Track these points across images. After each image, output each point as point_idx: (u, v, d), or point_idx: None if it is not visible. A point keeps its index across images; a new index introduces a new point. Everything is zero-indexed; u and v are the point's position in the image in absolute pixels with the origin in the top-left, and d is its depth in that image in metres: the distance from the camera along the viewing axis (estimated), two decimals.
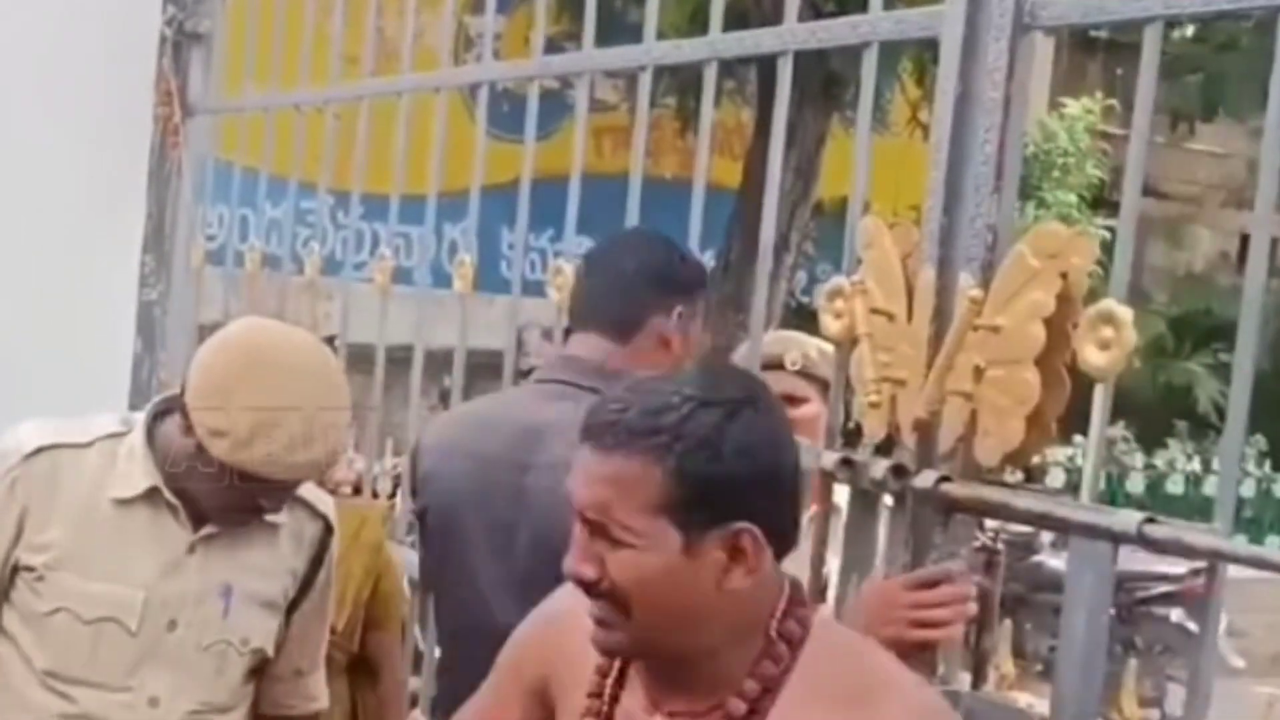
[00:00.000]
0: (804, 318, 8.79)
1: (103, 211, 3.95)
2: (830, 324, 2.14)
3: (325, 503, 2.34)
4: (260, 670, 2.27)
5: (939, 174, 2.01)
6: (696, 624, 1.41)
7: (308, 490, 2.26)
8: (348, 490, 3.31)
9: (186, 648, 2.15)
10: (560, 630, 1.57)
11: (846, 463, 2.09)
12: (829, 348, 2.98)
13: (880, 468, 2.03)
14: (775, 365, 2.94)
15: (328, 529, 2.31)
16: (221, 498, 2.10)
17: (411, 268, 3.53)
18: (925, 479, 1.98)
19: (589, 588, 1.41)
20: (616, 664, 1.51)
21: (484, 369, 3.16)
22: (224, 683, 2.21)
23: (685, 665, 1.44)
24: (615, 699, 1.49)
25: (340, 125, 3.56)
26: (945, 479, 1.97)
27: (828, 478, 2.15)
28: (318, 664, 2.39)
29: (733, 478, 1.39)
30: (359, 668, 2.85)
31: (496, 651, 2.01)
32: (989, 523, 7.32)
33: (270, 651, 2.26)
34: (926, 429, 2.00)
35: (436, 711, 2.29)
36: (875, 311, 2.04)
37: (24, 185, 3.80)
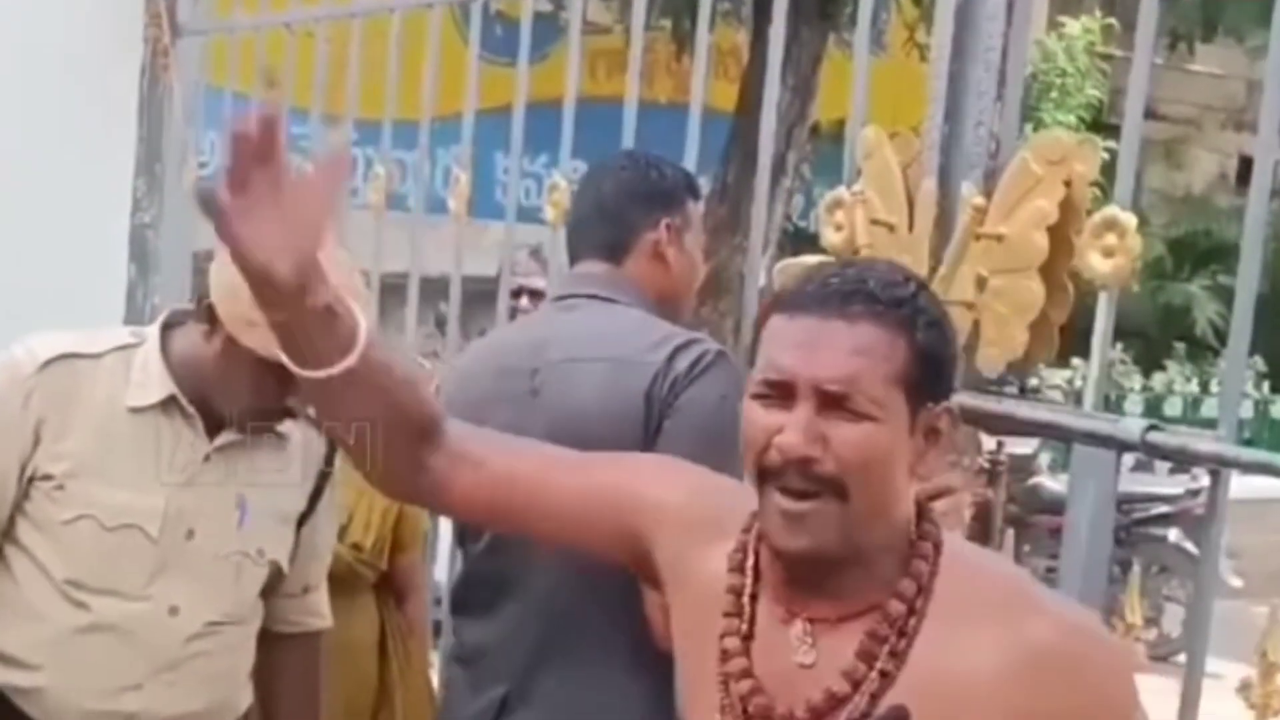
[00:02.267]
0: (801, 242, 8.76)
1: (94, 135, 3.91)
2: (830, 235, 2.12)
3: None
4: (270, 588, 2.28)
5: (940, 81, 1.98)
6: (889, 515, 1.37)
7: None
8: None
9: (204, 557, 2.16)
10: (717, 529, 1.47)
11: None
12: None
13: None
14: None
15: (332, 445, 2.30)
16: (253, 398, 2.09)
17: (405, 193, 3.50)
18: None
19: (806, 471, 1.32)
20: (750, 577, 1.43)
21: (480, 296, 3.14)
22: (241, 595, 2.22)
23: (841, 567, 1.37)
24: (752, 615, 1.42)
25: (331, 49, 3.52)
26: None
27: None
28: (323, 579, 2.41)
29: (950, 360, 1.39)
30: (385, 590, 2.85)
31: (516, 547, 2.02)
32: (989, 443, 7.37)
33: (285, 565, 2.27)
34: None
35: (452, 607, 2.32)
36: (876, 222, 2.02)
37: (12, 108, 3.76)
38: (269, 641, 2.31)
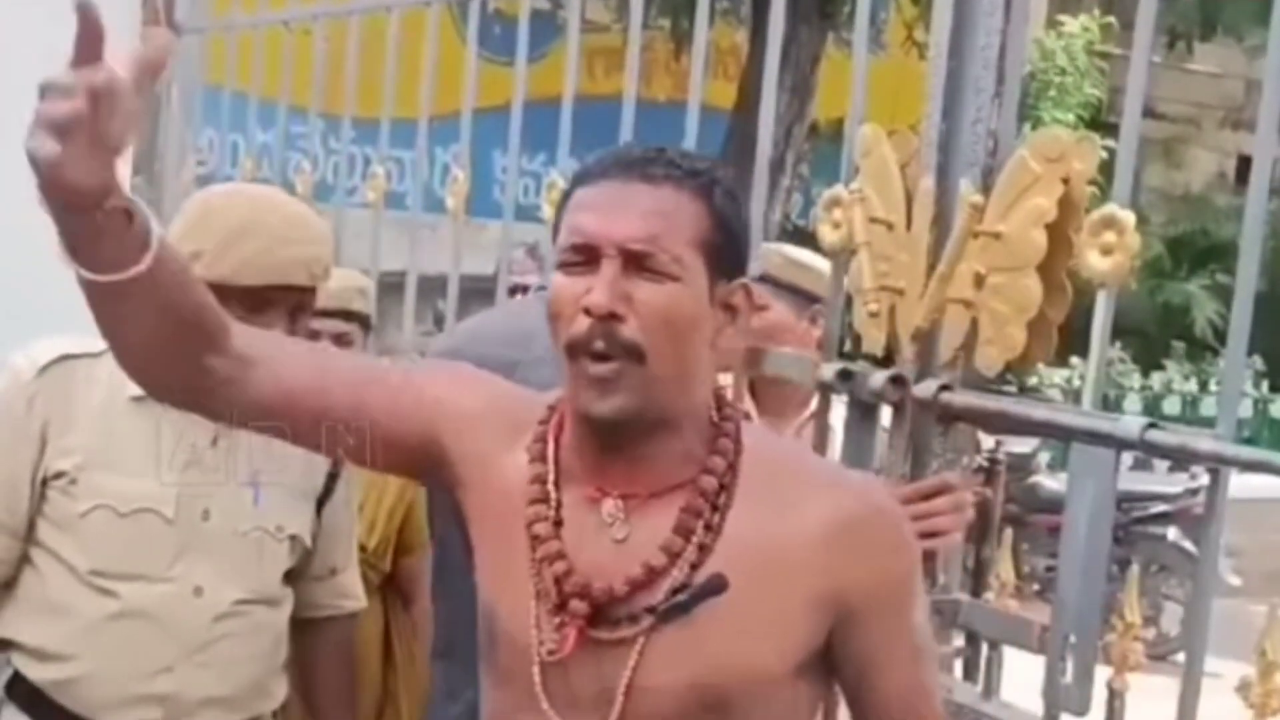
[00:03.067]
0: (800, 240, 8.76)
1: None
2: (828, 234, 2.11)
3: None
4: (298, 571, 2.29)
5: (938, 79, 1.97)
6: (690, 383, 1.41)
7: None
8: None
9: (224, 535, 2.16)
10: (515, 431, 1.49)
11: (845, 374, 2.07)
12: (801, 254, 2.98)
13: (879, 378, 2.01)
14: None
15: None
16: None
17: (403, 192, 3.50)
18: (925, 388, 1.96)
19: (610, 330, 1.35)
20: (551, 455, 1.45)
21: (477, 295, 3.13)
22: (266, 573, 2.22)
23: (649, 437, 1.40)
24: (559, 501, 1.44)
25: (329, 47, 3.51)
26: (946, 388, 1.95)
27: (826, 389, 2.13)
28: (351, 560, 2.41)
29: (745, 235, 1.43)
30: (390, 591, 2.85)
31: None
32: (987, 442, 7.36)
33: (308, 540, 2.27)
34: (926, 338, 1.98)
35: (435, 606, 2.30)
36: (874, 220, 2.02)
37: (8, 106, 3.75)
38: (302, 628, 2.31)
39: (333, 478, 2.31)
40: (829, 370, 2.10)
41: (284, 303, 2.15)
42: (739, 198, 1.42)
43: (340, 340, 2.75)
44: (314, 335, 2.74)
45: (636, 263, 1.35)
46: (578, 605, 1.39)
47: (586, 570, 1.40)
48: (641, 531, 1.40)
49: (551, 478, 1.44)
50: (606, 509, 1.42)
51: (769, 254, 2.77)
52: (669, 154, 1.40)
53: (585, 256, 1.37)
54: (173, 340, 1.40)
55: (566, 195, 1.43)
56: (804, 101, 9.25)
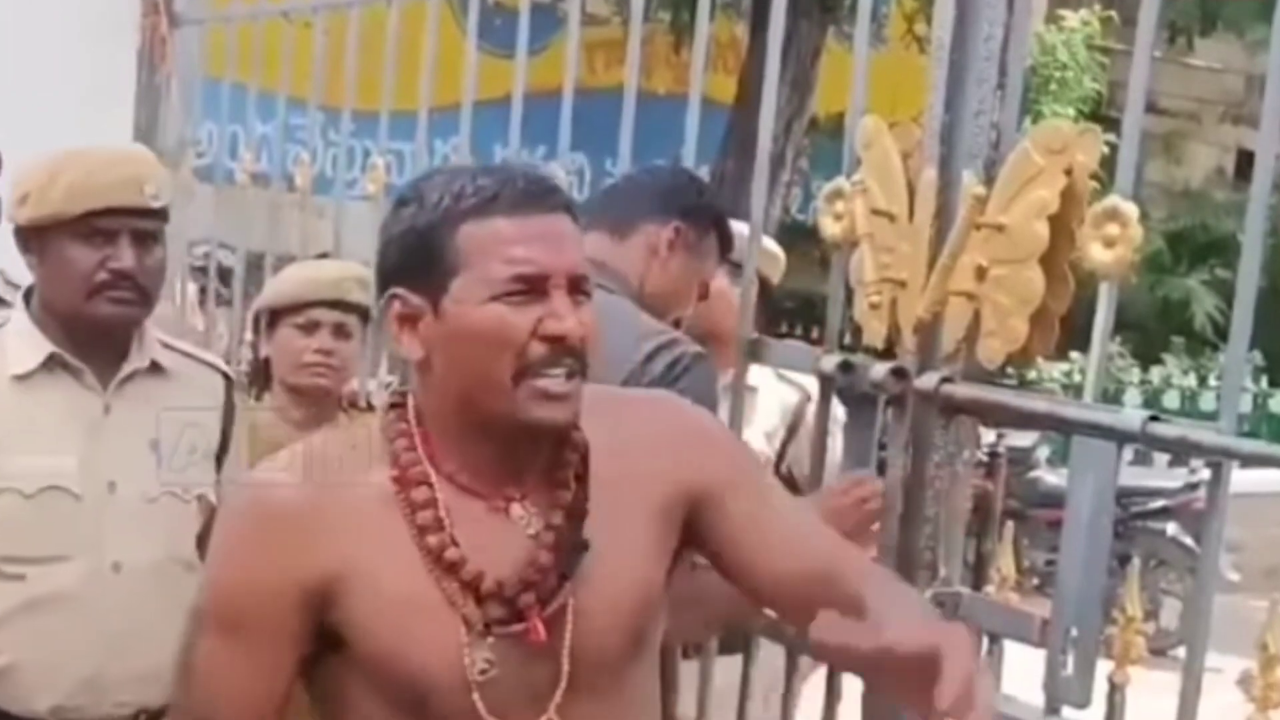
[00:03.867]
0: (798, 235, 8.75)
1: (91, 125, 3.89)
2: (830, 225, 2.11)
3: (216, 359, 2.41)
4: (203, 533, 2.26)
5: (941, 70, 1.97)
6: None
7: (195, 349, 2.33)
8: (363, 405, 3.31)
9: (132, 505, 2.15)
10: (304, 531, 1.47)
11: (846, 366, 2.06)
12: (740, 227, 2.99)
13: (880, 370, 2.01)
14: None
15: (227, 379, 2.35)
16: (77, 279, 2.09)
17: (403, 184, 3.49)
18: (927, 380, 1.96)
19: (578, 351, 1.46)
20: (434, 488, 1.47)
21: None
22: (180, 537, 2.20)
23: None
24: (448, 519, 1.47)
25: (329, 39, 3.50)
26: (947, 380, 1.95)
27: (827, 381, 2.12)
28: None
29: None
30: None
31: None
32: (987, 436, 7.38)
33: (213, 498, 2.25)
34: (928, 330, 1.97)
35: None
36: (876, 212, 2.01)
37: (8, 97, 3.74)
38: None
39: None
40: (830, 362, 2.09)
41: (125, 230, 2.10)
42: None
43: (339, 331, 2.74)
44: (313, 326, 2.73)
45: (576, 287, 1.47)
46: (527, 598, 1.46)
47: (515, 573, 1.46)
48: (543, 519, 1.51)
49: (441, 501, 1.48)
50: (515, 513, 1.50)
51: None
52: (547, 179, 1.52)
53: (531, 286, 1.44)
54: None
55: (452, 222, 1.45)
56: (804, 96, 9.23)
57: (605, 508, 1.51)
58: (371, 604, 1.46)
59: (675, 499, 1.57)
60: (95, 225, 2.08)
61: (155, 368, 2.21)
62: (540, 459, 1.51)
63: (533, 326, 1.43)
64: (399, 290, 1.48)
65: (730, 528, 1.58)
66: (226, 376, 2.35)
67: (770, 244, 3.33)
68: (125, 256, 2.11)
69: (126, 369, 2.18)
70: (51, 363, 2.13)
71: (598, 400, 1.54)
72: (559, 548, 1.48)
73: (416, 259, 1.46)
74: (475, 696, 1.44)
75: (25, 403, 2.11)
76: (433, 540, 1.46)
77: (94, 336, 2.15)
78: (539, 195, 1.47)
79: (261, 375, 2.86)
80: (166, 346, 2.26)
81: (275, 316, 2.77)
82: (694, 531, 1.59)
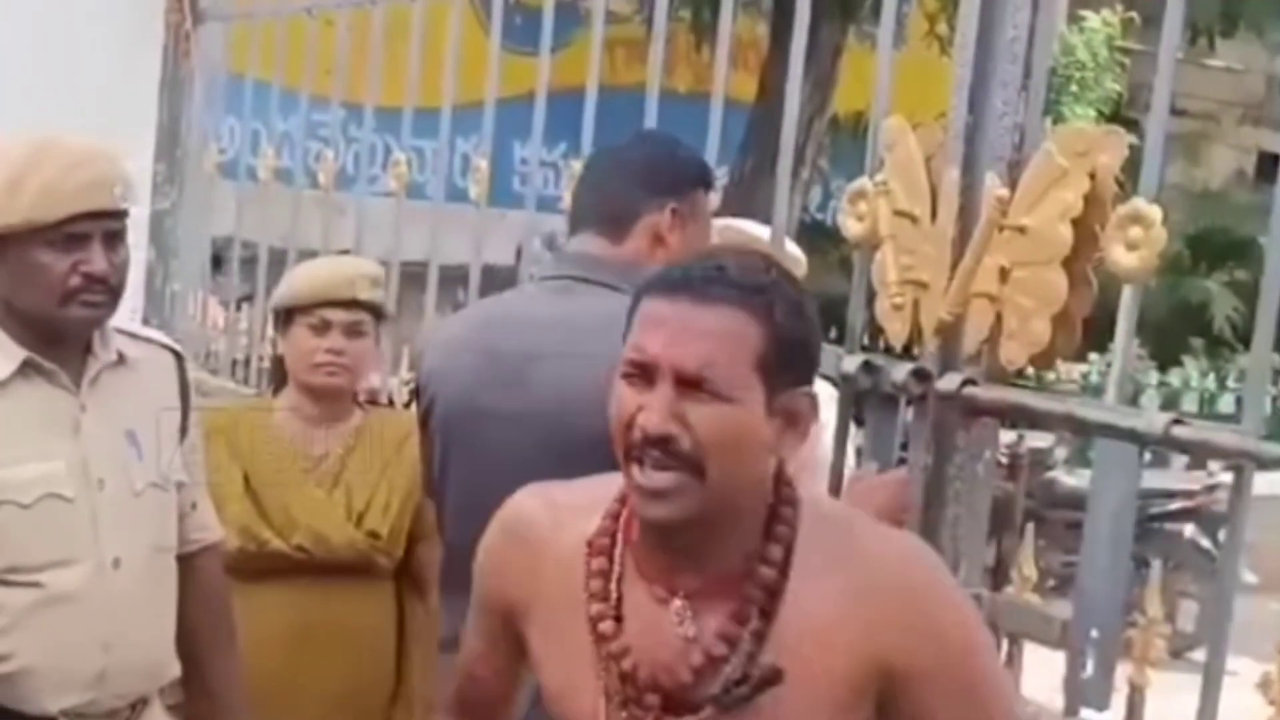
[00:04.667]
0: (818, 234, 8.74)
1: (114, 120, 3.91)
2: (852, 226, 2.11)
3: (164, 337, 2.39)
4: None
5: (965, 72, 1.97)
6: (748, 487, 1.45)
7: (142, 330, 2.31)
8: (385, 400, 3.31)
9: (123, 500, 2.15)
10: (531, 544, 1.57)
11: (868, 367, 2.07)
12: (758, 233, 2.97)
13: (902, 371, 2.01)
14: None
15: (178, 357, 2.34)
16: (50, 285, 2.06)
17: (425, 182, 3.50)
18: (949, 382, 1.96)
19: (666, 449, 1.39)
20: (617, 558, 1.49)
21: (498, 285, 3.14)
22: (166, 525, 2.23)
23: (707, 536, 1.45)
24: (620, 596, 1.49)
25: (352, 36, 3.52)
26: (970, 382, 1.95)
27: (849, 382, 2.13)
28: (204, 491, 2.41)
29: (809, 345, 1.46)
30: (403, 577, 2.86)
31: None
32: (1007, 437, 7.37)
33: (186, 480, 2.28)
34: (950, 332, 1.97)
35: (443, 598, 2.27)
36: (898, 213, 2.02)
37: (32, 92, 3.76)
38: (178, 567, 2.30)
39: (185, 412, 2.30)
40: (851, 363, 2.09)
41: (96, 233, 2.07)
42: (804, 310, 1.45)
43: (351, 330, 2.74)
44: (325, 326, 2.74)
45: (691, 385, 1.39)
46: (651, 699, 1.45)
47: (655, 666, 1.45)
48: (707, 625, 1.45)
49: (616, 574, 1.49)
50: (674, 608, 1.46)
51: (743, 233, 2.78)
52: (729, 272, 1.42)
53: (643, 373, 1.41)
54: None
55: (636, 298, 1.47)
56: (825, 94, 9.23)
57: (796, 651, 1.43)
58: (544, 640, 1.56)
59: (874, 666, 1.44)
60: (67, 230, 2.04)
61: (119, 359, 2.20)
62: (706, 557, 1.45)
63: (635, 410, 1.41)
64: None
65: (912, 712, 1.45)
66: (177, 355, 2.35)
67: (793, 248, 3.33)
68: (98, 260, 2.08)
69: (95, 366, 2.17)
70: (25, 368, 2.12)
71: (833, 523, 1.49)
72: (712, 664, 1.43)
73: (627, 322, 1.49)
74: None
75: (7, 412, 2.10)
76: (595, 609, 1.49)
77: (64, 338, 2.14)
78: (689, 284, 1.41)
79: (279, 373, 2.87)
80: (119, 331, 2.24)
81: (289, 315, 2.78)
82: (885, 710, 1.46)
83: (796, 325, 1.43)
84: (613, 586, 1.49)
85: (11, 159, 2.06)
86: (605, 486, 1.53)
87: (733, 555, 1.45)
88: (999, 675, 1.53)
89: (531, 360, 2.12)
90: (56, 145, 2.07)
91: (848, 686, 1.43)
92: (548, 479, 1.68)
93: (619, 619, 1.48)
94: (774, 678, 1.41)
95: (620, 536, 1.50)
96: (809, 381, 1.46)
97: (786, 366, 1.42)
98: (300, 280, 2.81)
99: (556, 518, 1.56)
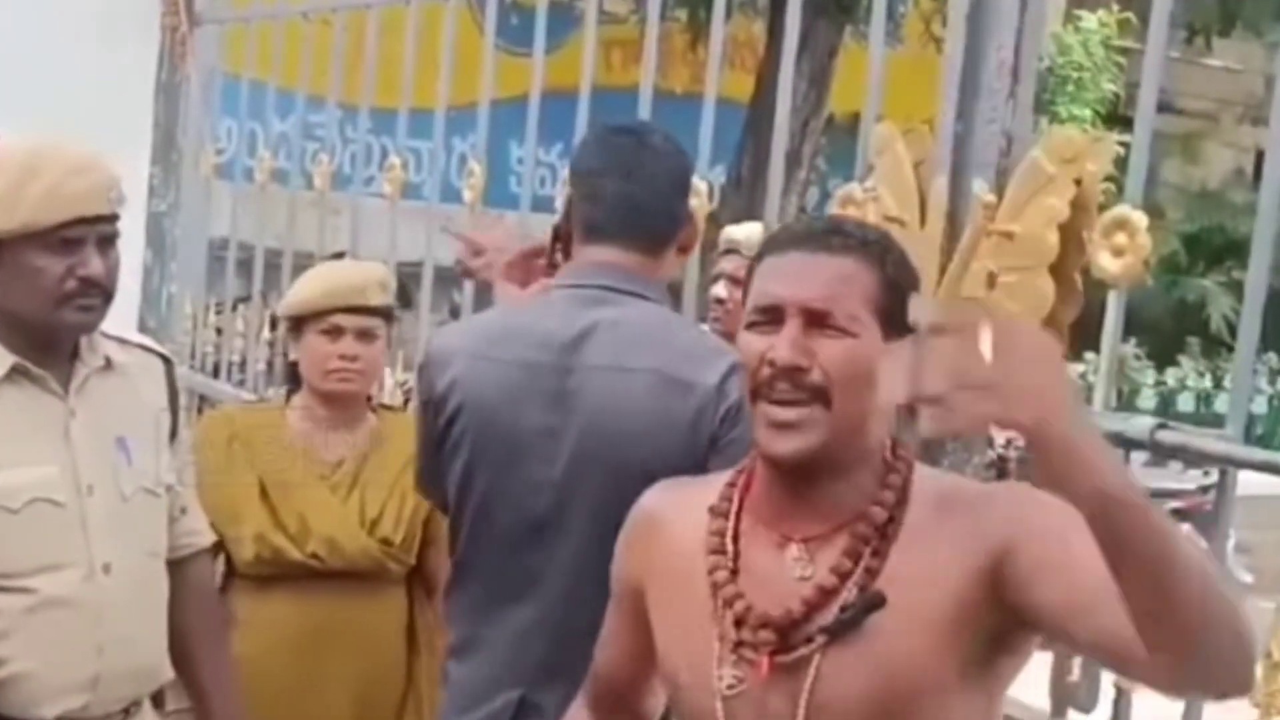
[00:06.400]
0: None
1: (110, 122, 3.93)
2: None
3: (152, 342, 2.40)
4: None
5: (953, 78, 1.99)
6: (867, 428, 1.51)
7: (130, 335, 2.31)
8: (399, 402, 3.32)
9: (112, 505, 2.16)
10: (654, 525, 1.64)
11: None
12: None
13: None
14: (733, 250, 3.16)
15: (166, 361, 2.35)
16: (46, 289, 2.07)
17: (420, 183, 3.51)
18: None
19: (795, 380, 1.47)
20: (734, 518, 1.55)
21: (493, 286, 3.15)
22: (156, 530, 2.24)
23: (827, 477, 1.51)
24: (737, 552, 1.55)
25: (348, 38, 3.53)
26: None
27: None
28: (193, 499, 2.42)
29: (915, 294, 1.53)
30: (416, 583, 2.87)
31: (534, 550, 2.02)
32: (998, 437, 7.38)
33: (176, 486, 2.29)
34: None
35: (451, 606, 2.21)
36: (888, 218, 2.03)
37: (28, 94, 3.77)
38: (169, 572, 2.30)
39: (174, 417, 2.32)
40: None
41: (91, 237, 2.08)
42: (909, 263, 1.55)
43: (362, 335, 2.75)
44: (337, 331, 2.75)
45: (817, 321, 1.48)
46: (765, 635, 1.50)
47: (769, 604, 1.50)
48: (822, 565, 1.51)
49: (731, 531, 1.56)
50: (792, 554, 1.53)
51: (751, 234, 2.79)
52: (847, 225, 1.55)
53: (770, 317, 1.50)
54: None
55: (755, 261, 1.56)
56: (821, 94, 9.25)
57: (905, 583, 1.47)
58: (663, 609, 1.62)
59: (982, 571, 1.45)
60: (64, 235, 2.06)
61: (107, 364, 2.20)
62: (824, 501, 1.51)
63: (764, 352, 1.48)
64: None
65: (1042, 599, 1.42)
66: (165, 359, 2.35)
67: None
68: (94, 264, 2.09)
69: (83, 371, 2.17)
70: (14, 373, 2.12)
71: (942, 480, 1.57)
72: (824, 597, 1.48)
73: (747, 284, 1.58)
74: (718, 705, 1.53)
75: None
76: (711, 560, 1.55)
77: (56, 343, 2.15)
78: (811, 235, 1.52)
79: (293, 377, 2.88)
80: (106, 337, 2.24)
81: (300, 322, 2.79)
82: (1010, 601, 1.44)
83: (905, 275, 1.53)
84: (729, 542, 1.55)
85: (9, 165, 2.07)
86: (730, 475, 1.61)
87: (849, 499, 1.51)
88: (1097, 556, 1.40)
89: (573, 374, 2.05)
90: (54, 151, 2.09)
91: (956, 618, 1.46)
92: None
93: (735, 571, 1.54)
94: (879, 601, 1.46)
95: (738, 498, 1.57)
96: (912, 330, 1.50)
97: (898, 311, 1.43)
98: (312, 287, 2.80)
99: (682, 499, 1.63)
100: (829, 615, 1.48)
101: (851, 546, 1.49)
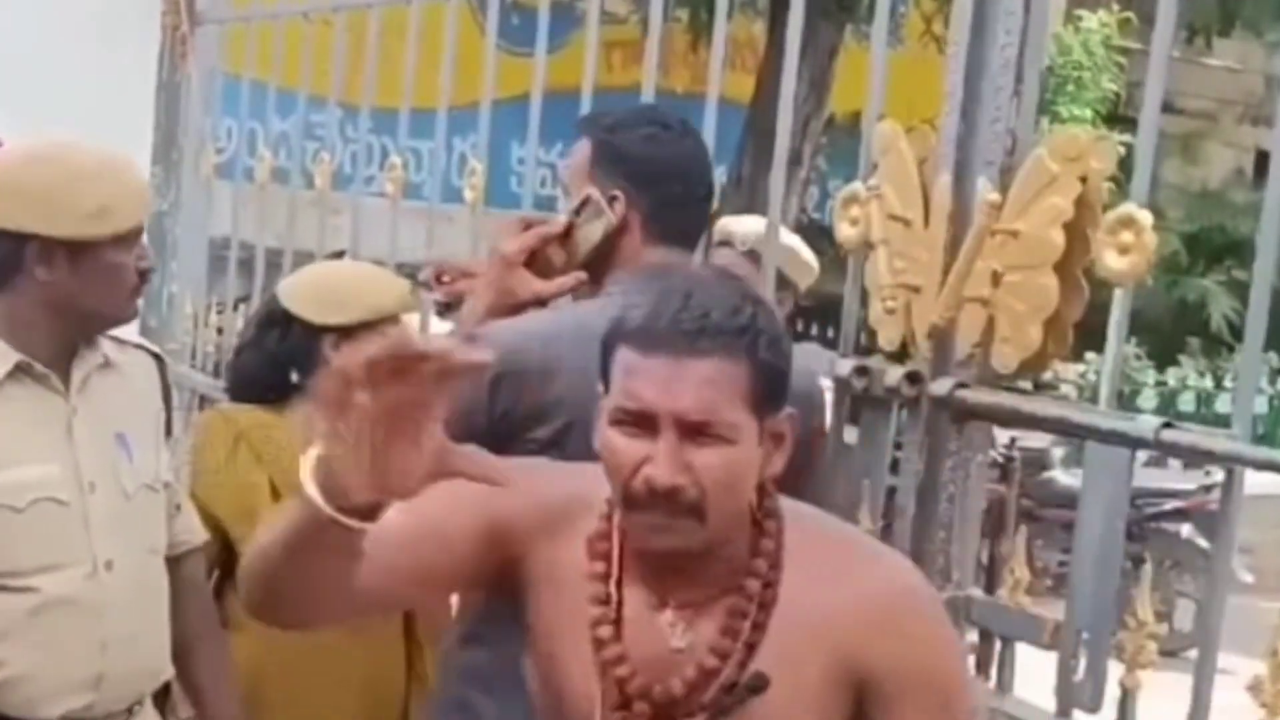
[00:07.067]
0: (816, 234, 8.74)
1: (110, 122, 3.92)
2: (845, 230, 2.12)
3: (143, 340, 2.45)
4: None
5: (957, 76, 1.98)
6: (742, 513, 1.50)
7: (125, 334, 2.34)
8: None
9: (114, 503, 2.17)
10: (563, 519, 1.56)
11: (861, 370, 2.07)
12: (793, 242, 2.95)
13: (895, 374, 2.02)
14: (725, 243, 3.12)
15: (158, 359, 2.38)
16: (126, 284, 2.16)
17: (421, 182, 3.51)
18: (941, 385, 1.97)
19: (673, 500, 1.43)
20: (615, 566, 1.52)
21: None
22: (157, 527, 2.25)
23: (702, 559, 1.49)
24: (620, 601, 1.51)
25: (349, 38, 3.52)
26: (962, 385, 1.96)
27: (842, 385, 2.13)
28: (186, 496, 2.44)
29: (787, 372, 1.50)
30: None
31: None
32: (1002, 437, 7.39)
33: (174, 482, 2.32)
34: (942, 336, 1.98)
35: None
36: (891, 217, 2.02)
37: (28, 94, 3.77)
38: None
39: (168, 414, 2.34)
40: (845, 366, 2.10)
41: (140, 231, 2.17)
42: (781, 338, 1.48)
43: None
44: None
45: (694, 431, 1.43)
46: (641, 707, 1.49)
47: (648, 673, 1.49)
48: (699, 636, 1.49)
49: (615, 577, 1.52)
50: (666, 618, 1.51)
51: (758, 228, 2.77)
52: (714, 318, 1.44)
53: (641, 422, 1.44)
54: (338, 590, 1.46)
55: (612, 342, 1.47)
56: (821, 94, 9.23)
57: (785, 659, 1.47)
58: (548, 608, 1.55)
59: (857, 677, 1.49)
60: (130, 237, 2.15)
61: (106, 362, 2.23)
62: (699, 572, 1.48)
63: (638, 460, 1.43)
64: (601, 382, 1.51)
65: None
66: (158, 357, 2.39)
67: (806, 253, 3.33)
68: (148, 256, 2.19)
69: (84, 369, 2.19)
70: (17, 370, 2.13)
71: (819, 534, 1.54)
72: (705, 677, 1.47)
73: (602, 361, 1.50)
74: None
75: (1, 415, 2.11)
76: (594, 613, 1.51)
77: (71, 341, 2.17)
78: (679, 337, 1.43)
79: (283, 379, 2.85)
80: (103, 336, 2.27)
81: (352, 331, 2.71)
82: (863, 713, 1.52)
83: (777, 356, 1.47)
84: (611, 589, 1.51)
85: (92, 174, 2.11)
86: (590, 479, 1.53)
87: (722, 569, 1.49)
88: (969, 697, 1.58)
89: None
90: (121, 157, 2.19)
91: (832, 691, 1.48)
92: None
93: (618, 622, 1.50)
94: (762, 685, 1.46)
95: (617, 536, 1.52)
96: (786, 403, 1.50)
97: (771, 395, 1.47)
98: (353, 302, 2.72)
99: (586, 500, 1.55)
100: (710, 693, 1.47)
101: (729, 624, 1.48)
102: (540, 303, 2.19)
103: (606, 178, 2.08)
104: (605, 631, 1.50)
